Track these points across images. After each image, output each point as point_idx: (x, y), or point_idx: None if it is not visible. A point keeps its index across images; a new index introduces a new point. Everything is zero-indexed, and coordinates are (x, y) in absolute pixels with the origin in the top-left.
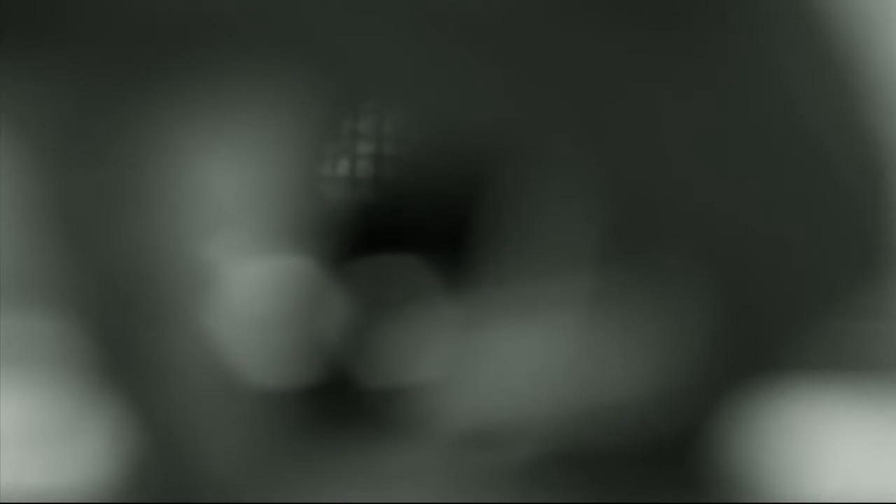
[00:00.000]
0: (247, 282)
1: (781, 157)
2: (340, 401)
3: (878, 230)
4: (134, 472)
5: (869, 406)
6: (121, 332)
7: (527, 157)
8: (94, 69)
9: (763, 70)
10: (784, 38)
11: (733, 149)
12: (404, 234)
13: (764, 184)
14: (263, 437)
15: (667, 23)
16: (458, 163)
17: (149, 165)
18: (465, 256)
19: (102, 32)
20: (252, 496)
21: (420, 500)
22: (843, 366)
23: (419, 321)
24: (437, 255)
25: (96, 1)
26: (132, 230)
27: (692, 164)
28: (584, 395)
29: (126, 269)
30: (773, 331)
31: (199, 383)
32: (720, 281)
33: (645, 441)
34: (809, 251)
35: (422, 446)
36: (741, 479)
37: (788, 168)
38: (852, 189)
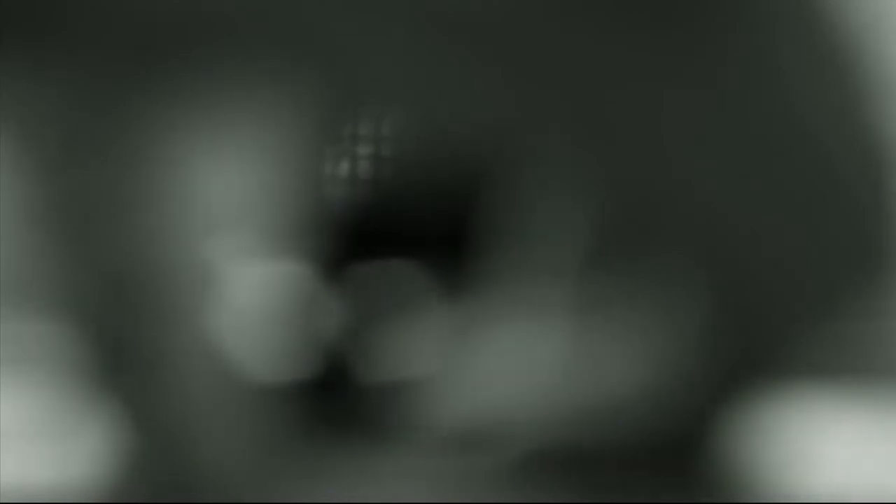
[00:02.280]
0: (246, 282)
1: (781, 157)
2: (338, 401)
3: (878, 230)
4: (134, 471)
5: (868, 407)
6: (121, 332)
7: (526, 157)
8: (94, 69)
9: (763, 70)
10: (784, 38)
11: (733, 149)
12: (403, 235)
13: (764, 184)
14: (263, 437)
15: (667, 23)
16: (457, 164)
17: (149, 165)
18: (463, 257)
19: (102, 32)
20: (252, 496)
21: (417, 499)
22: (843, 366)
23: (418, 322)
24: (435, 256)
25: (96, 1)
26: (132, 230)
27: (692, 164)
28: (581, 395)
29: (126, 269)
30: (772, 331)
31: (199, 383)
32: (720, 281)
33: (643, 442)
34: (809, 251)
35: (419, 446)
36: (741, 479)
37: (788, 168)
38: (852, 189)
